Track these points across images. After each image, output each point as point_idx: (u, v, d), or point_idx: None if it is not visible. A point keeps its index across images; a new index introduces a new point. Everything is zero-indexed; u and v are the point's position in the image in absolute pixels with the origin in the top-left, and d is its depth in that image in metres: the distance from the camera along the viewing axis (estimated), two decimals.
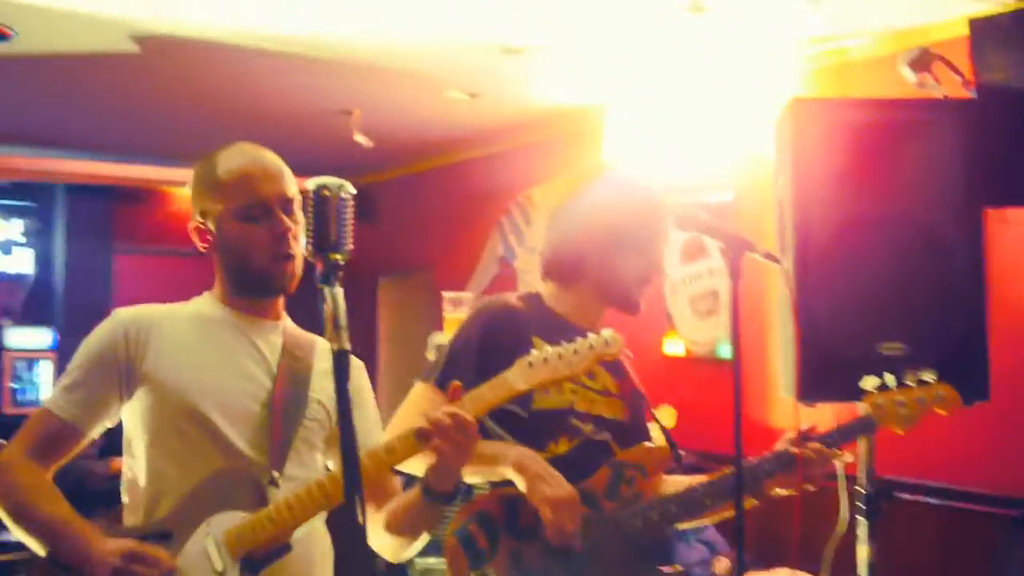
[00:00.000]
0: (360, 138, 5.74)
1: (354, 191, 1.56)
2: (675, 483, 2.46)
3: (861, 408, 2.48)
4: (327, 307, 1.50)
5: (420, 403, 2.38)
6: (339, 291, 1.50)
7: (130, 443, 2.14)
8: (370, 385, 2.31)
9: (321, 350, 2.23)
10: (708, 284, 4.95)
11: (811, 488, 2.40)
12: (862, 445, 2.94)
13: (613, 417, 2.45)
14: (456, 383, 2.04)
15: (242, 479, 2.06)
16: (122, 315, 2.17)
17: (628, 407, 2.51)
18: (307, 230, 1.56)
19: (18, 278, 8.78)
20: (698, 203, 2.30)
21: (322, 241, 1.54)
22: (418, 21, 4.11)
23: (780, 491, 2.41)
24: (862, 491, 2.93)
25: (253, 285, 2.15)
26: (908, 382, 2.46)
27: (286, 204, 2.10)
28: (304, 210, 1.60)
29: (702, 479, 2.41)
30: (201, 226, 2.15)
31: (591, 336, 2.03)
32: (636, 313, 2.52)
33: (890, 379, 2.47)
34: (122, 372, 2.09)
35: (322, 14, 4.06)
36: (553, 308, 2.52)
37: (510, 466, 2.26)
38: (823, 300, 2.78)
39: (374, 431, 2.24)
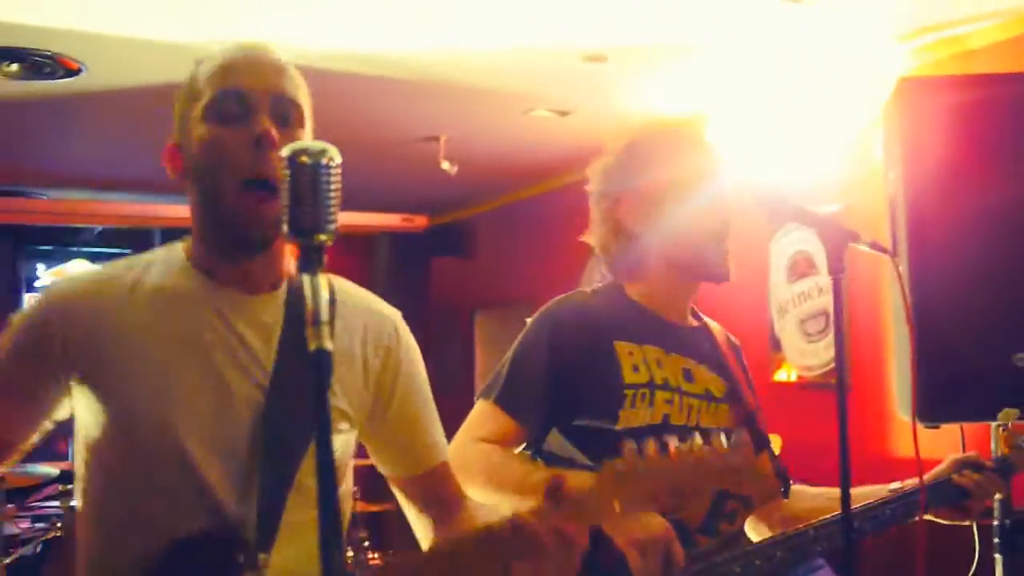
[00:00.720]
0: (446, 165, 5.55)
1: (339, 159, 1.20)
2: (786, 509, 2.14)
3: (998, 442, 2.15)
4: (306, 299, 1.13)
5: (482, 425, 2.10)
6: (320, 280, 1.15)
7: (76, 452, 1.60)
8: (419, 362, 1.81)
9: (345, 311, 1.64)
10: (818, 303, 4.57)
11: (967, 523, 2.16)
12: None
13: (718, 427, 2.10)
14: (558, 477, 1.55)
15: (212, 557, 1.48)
16: (53, 296, 1.59)
17: (737, 412, 2.17)
18: (283, 206, 1.18)
19: None
20: (786, 191, 1.95)
21: (300, 219, 1.16)
22: (496, 34, 3.88)
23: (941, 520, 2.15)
24: (997, 525, 2.54)
25: (222, 230, 1.54)
26: None
27: (278, 104, 1.52)
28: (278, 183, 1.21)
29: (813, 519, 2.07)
30: (173, 148, 1.59)
31: (731, 453, 1.58)
32: (726, 280, 2.18)
33: None
34: (58, 363, 1.53)
35: (399, 33, 3.87)
36: (636, 299, 2.18)
37: None
38: (945, 304, 2.44)
39: (424, 426, 1.77)
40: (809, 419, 4.45)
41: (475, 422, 2.12)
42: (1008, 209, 2.44)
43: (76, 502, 1.60)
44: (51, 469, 4.90)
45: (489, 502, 1.98)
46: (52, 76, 4.33)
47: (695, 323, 2.26)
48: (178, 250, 1.61)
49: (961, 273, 2.46)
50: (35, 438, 1.61)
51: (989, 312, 2.43)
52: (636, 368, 2.08)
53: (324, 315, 1.12)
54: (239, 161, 1.47)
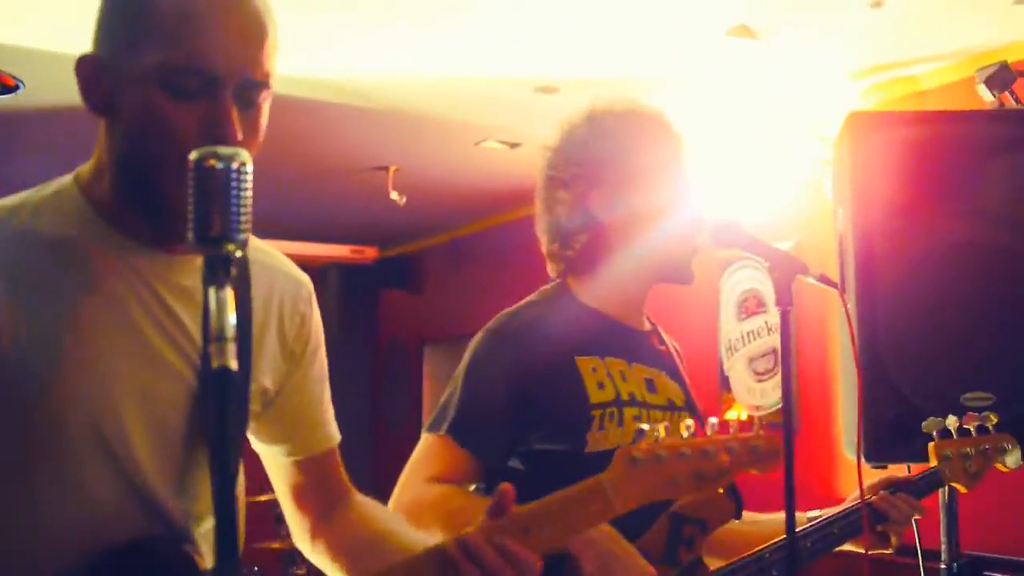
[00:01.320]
0: (395, 195, 5.48)
1: (251, 164, 1.07)
2: (733, 535, 2.03)
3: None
4: (211, 314, 1.00)
5: (432, 462, 1.89)
6: (226, 293, 1.03)
7: None
8: (322, 331, 1.57)
9: (261, 276, 1.45)
10: (767, 342, 4.53)
11: (885, 549, 2.06)
12: (944, 514, 2.50)
13: None
14: (507, 486, 1.39)
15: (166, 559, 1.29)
16: None
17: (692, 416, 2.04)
18: (189, 213, 1.05)
19: None
20: (738, 220, 1.88)
21: (207, 228, 1.04)
22: (448, 63, 3.83)
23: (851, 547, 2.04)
24: (944, 568, 2.48)
25: (151, 202, 1.27)
26: (968, 427, 2.12)
27: (248, 84, 1.27)
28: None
29: (767, 543, 1.98)
30: (95, 66, 1.29)
31: (733, 427, 1.48)
32: (690, 283, 2.03)
33: (952, 422, 2.08)
34: None
35: (350, 59, 3.81)
36: (590, 303, 2.00)
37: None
38: (893, 342, 2.38)
39: (322, 405, 1.59)
40: None
41: (424, 458, 1.91)
42: (957, 247, 2.39)
43: None
44: None
45: None
46: None
47: (648, 326, 2.12)
48: (71, 191, 1.33)
49: (910, 311, 2.41)
50: None
51: (938, 351, 2.37)
52: (601, 384, 1.92)
53: (229, 331, 1.00)
54: (187, 149, 1.10)
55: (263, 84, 1.30)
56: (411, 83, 4.09)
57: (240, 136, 1.24)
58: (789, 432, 1.77)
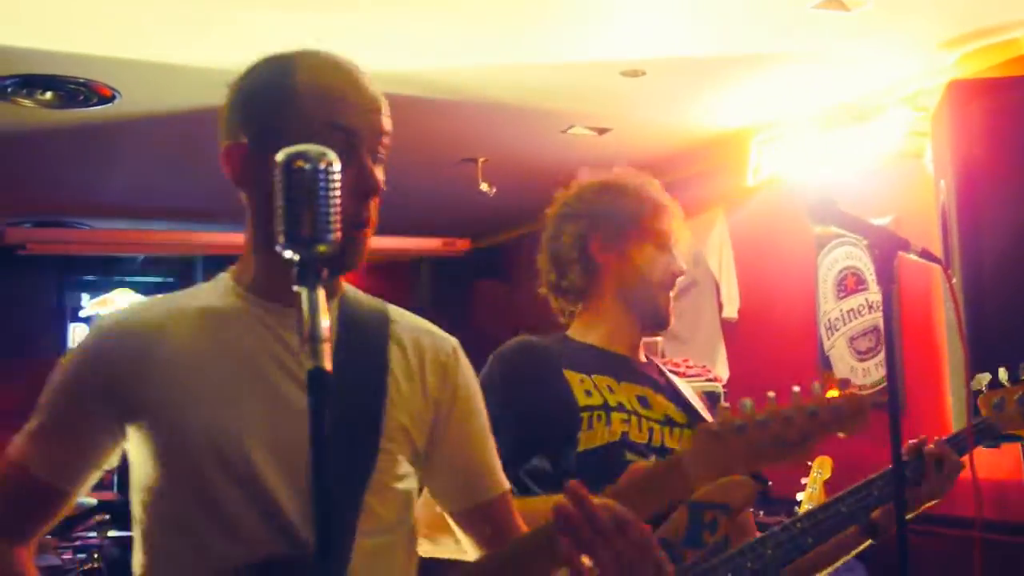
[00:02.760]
0: (485, 186, 5.49)
1: (339, 164, 1.11)
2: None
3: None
4: (303, 314, 1.05)
5: None
6: (320, 294, 1.07)
7: (132, 500, 1.52)
8: (477, 386, 1.69)
9: (401, 329, 1.59)
10: (868, 320, 4.43)
11: (932, 503, 2.02)
12: None
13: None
14: (573, 482, 1.43)
15: None
16: (105, 323, 1.52)
17: None
18: (278, 215, 1.10)
19: None
20: (834, 197, 1.84)
21: (297, 229, 1.08)
22: (533, 52, 3.82)
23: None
24: None
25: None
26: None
27: (378, 142, 1.49)
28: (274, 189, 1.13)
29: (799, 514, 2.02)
30: (239, 148, 1.47)
31: (816, 390, 1.49)
32: (665, 328, 2.22)
33: (1003, 374, 2.01)
34: (108, 403, 1.45)
35: (436, 53, 3.81)
36: (582, 340, 2.18)
37: None
38: (1000, 317, 2.31)
39: (482, 452, 1.66)
40: (862, 440, 4.31)
41: None
42: None
43: (134, 555, 1.50)
44: (91, 500, 4.86)
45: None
46: (86, 104, 4.32)
47: (646, 361, 2.26)
48: (224, 276, 1.56)
49: (1018, 283, 2.34)
50: (88, 486, 1.53)
51: None
52: (589, 392, 2.06)
53: (322, 332, 1.04)
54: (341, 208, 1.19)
55: (389, 135, 1.51)
56: (497, 74, 4.09)
57: (382, 185, 1.46)
58: (895, 413, 1.74)
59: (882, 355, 4.29)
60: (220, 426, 1.41)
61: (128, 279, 8.60)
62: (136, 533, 1.49)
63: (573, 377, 2.06)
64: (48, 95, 4.20)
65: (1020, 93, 2.41)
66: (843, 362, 4.55)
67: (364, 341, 1.53)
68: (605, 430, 2.01)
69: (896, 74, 4.00)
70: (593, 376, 2.09)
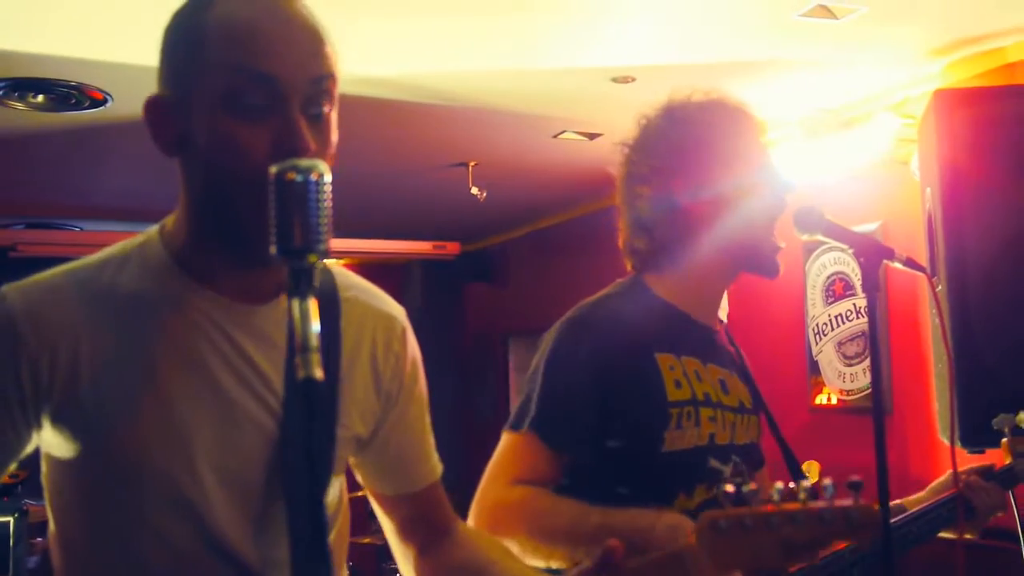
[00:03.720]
0: (475, 191, 5.51)
1: (329, 175, 1.09)
2: None
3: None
4: (295, 325, 1.03)
5: (516, 462, 1.84)
6: (310, 304, 1.04)
7: (46, 496, 1.37)
8: (420, 367, 1.56)
9: (352, 315, 1.44)
10: (856, 325, 4.46)
11: (972, 536, 2.06)
12: None
13: (751, 441, 1.97)
14: (614, 542, 1.39)
15: None
16: (12, 299, 1.27)
17: (760, 422, 2.04)
18: (271, 226, 1.07)
19: None
20: (819, 207, 1.86)
21: (289, 239, 1.06)
22: (523, 57, 3.83)
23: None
24: None
25: (231, 241, 1.29)
26: None
27: (313, 91, 1.25)
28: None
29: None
30: (161, 106, 1.29)
31: (827, 490, 1.36)
32: (776, 275, 1.97)
33: (1022, 418, 2.03)
34: (20, 400, 1.25)
35: (427, 58, 3.82)
36: (666, 297, 1.96)
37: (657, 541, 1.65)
38: (985, 325, 2.34)
39: (421, 441, 1.58)
40: (849, 444, 4.33)
41: (505, 459, 1.87)
42: None
43: (52, 552, 1.36)
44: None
45: (537, 555, 1.78)
46: (78, 107, 4.32)
47: (719, 325, 2.08)
48: (155, 243, 1.34)
49: (1002, 293, 2.36)
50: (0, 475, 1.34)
51: None
52: (678, 384, 1.89)
53: (313, 342, 1.02)
54: (262, 169, 1.12)
55: (326, 91, 1.27)
56: (487, 79, 4.10)
57: (313, 146, 1.22)
58: (880, 417, 1.76)
59: (869, 360, 4.31)
60: (163, 438, 1.27)
61: None
62: (54, 532, 1.36)
63: (664, 362, 1.88)
64: (40, 98, 4.20)
65: (1004, 103, 2.43)
66: (831, 367, 4.58)
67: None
68: (694, 432, 1.86)
69: (883, 82, 4.03)
70: (683, 358, 1.92)
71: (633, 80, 4.05)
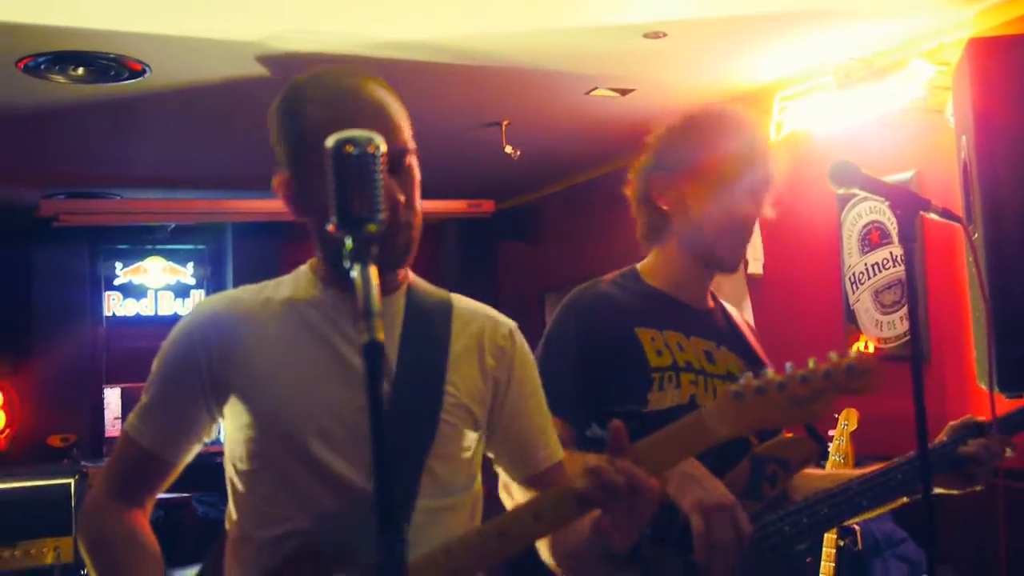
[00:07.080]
0: (509, 149, 5.54)
1: (384, 147, 1.21)
2: (819, 478, 2.17)
3: None
4: (357, 291, 1.15)
5: None
6: (372, 271, 1.16)
7: (227, 465, 1.74)
8: (534, 366, 1.85)
9: (462, 316, 1.78)
10: (893, 274, 4.47)
11: (977, 488, 2.15)
12: None
13: None
14: (618, 424, 1.56)
15: (355, 527, 1.55)
16: (203, 308, 1.75)
17: None
18: (331, 197, 1.19)
19: None
20: (854, 161, 1.90)
21: (349, 211, 1.17)
22: (554, 15, 3.85)
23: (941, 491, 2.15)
24: None
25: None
26: None
27: (393, 156, 1.56)
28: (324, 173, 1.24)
29: (854, 475, 2.11)
30: (285, 181, 1.68)
31: (832, 357, 1.55)
32: (730, 271, 2.22)
33: None
34: (205, 383, 1.67)
35: (457, 19, 3.85)
36: (654, 284, 2.23)
37: None
38: (1022, 273, 2.35)
39: (538, 427, 1.82)
40: (887, 391, 4.35)
41: None
42: None
43: (229, 508, 1.72)
44: None
45: None
46: (117, 78, 4.39)
47: (712, 305, 2.30)
48: (304, 268, 1.75)
49: None
50: (190, 457, 1.76)
51: None
52: (659, 352, 2.12)
53: (376, 307, 1.14)
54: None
55: (404, 149, 1.64)
56: (519, 39, 4.12)
57: (401, 197, 1.60)
58: (918, 366, 1.80)
59: (906, 308, 4.33)
60: (297, 400, 1.62)
61: (159, 247, 8.72)
62: (233, 490, 1.71)
63: (645, 335, 2.12)
64: (80, 71, 4.27)
65: None
66: (868, 316, 4.60)
67: (428, 326, 1.72)
68: (675, 392, 2.08)
69: (917, 28, 4.01)
70: (664, 332, 2.15)
71: (665, 35, 4.06)
